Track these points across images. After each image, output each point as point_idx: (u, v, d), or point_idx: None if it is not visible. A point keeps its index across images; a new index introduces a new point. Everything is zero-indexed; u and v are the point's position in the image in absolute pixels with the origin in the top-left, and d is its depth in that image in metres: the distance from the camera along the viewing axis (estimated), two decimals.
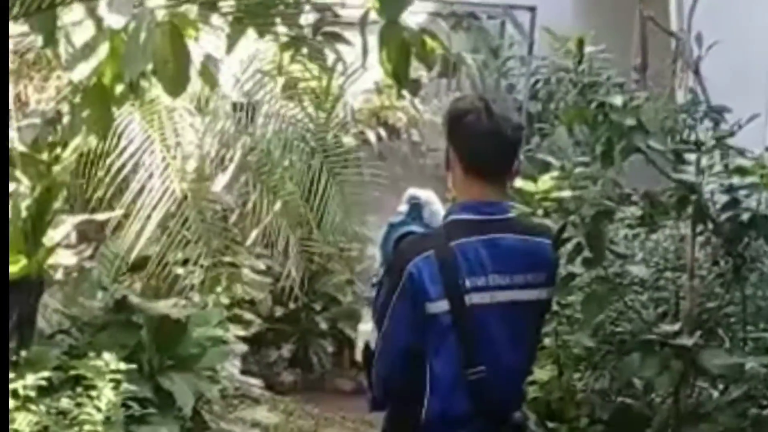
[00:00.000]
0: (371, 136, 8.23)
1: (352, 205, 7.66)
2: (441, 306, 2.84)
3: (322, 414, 7.18)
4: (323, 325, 8.04)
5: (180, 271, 6.35)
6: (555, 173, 3.42)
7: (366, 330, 3.18)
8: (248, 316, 7.22)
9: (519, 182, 3.86)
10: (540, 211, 3.58)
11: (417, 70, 9.06)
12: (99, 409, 4.07)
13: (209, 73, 3.38)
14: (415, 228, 3.13)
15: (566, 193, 3.35)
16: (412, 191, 3.24)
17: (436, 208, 3.20)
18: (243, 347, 5.93)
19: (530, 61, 8.55)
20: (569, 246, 3.32)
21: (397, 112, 8.54)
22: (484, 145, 2.98)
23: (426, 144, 8.83)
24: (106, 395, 4.12)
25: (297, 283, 7.11)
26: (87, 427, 4.00)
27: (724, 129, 3.50)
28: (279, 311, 7.84)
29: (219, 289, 6.67)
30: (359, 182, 7.81)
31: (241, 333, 6.56)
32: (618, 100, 3.18)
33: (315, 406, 7.33)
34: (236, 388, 5.65)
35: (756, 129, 3.82)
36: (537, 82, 8.43)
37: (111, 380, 4.19)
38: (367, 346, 3.01)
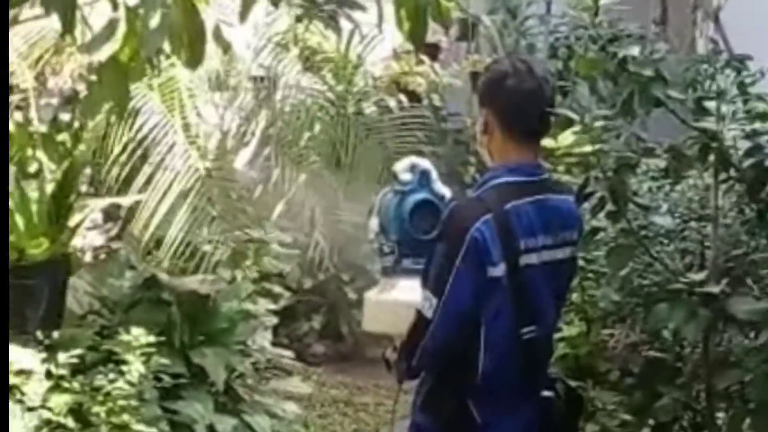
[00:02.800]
0: (392, 103, 8.18)
1: (374, 173, 7.65)
2: (500, 269, 2.86)
3: (355, 383, 7.21)
4: (352, 295, 8.04)
5: (207, 247, 6.37)
6: (575, 128, 3.42)
7: (377, 299, 3.21)
8: (277, 289, 7.23)
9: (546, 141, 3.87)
10: (561, 168, 3.58)
11: (435, 34, 9.02)
12: (132, 384, 4.11)
13: (222, 38, 3.38)
14: (427, 195, 3.14)
15: (588, 148, 3.35)
16: (414, 159, 3.23)
17: (436, 175, 3.22)
18: (273, 320, 5.94)
19: (549, 20, 8.49)
20: (593, 200, 3.33)
21: (417, 77, 8.50)
22: (527, 107, 2.97)
23: (447, 109, 8.80)
24: (137, 369, 4.16)
25: (326, 253, 7.11)
26: (120, 401, 4.04)
27: (748, 76, 3.47)
28: (308, 283, 7.86)
29: (247, 263, 6.69)
30: (381, 150, 7.79)
31: (271, 306, 6.56)
32: (636, 51, 3.16)
33: (347, 375, 7.36)
34: (268, 360, 5.67)
35: None
36: (557, 40, 8.35)
37: (142, 354, 4.22)
38: (419, 315, 2.94)
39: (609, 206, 3.25)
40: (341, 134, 7.73)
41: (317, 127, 7.88)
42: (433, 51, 8.69)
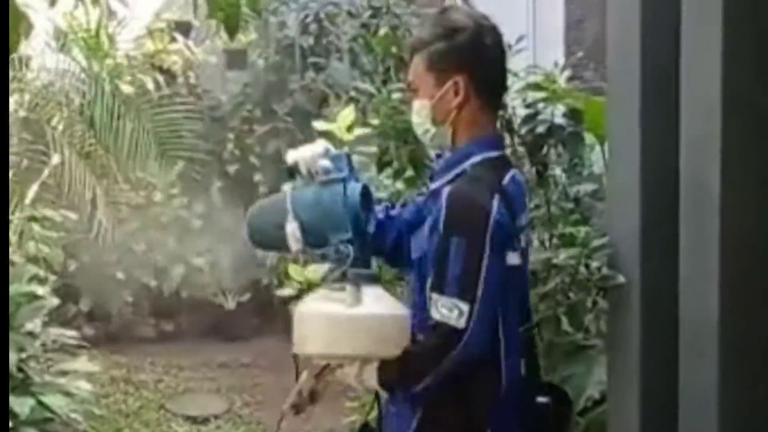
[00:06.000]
0: (148, 82, 8.20)
1: (133, 152, 7.74)
2: (517, 255, 2.51)
3: (131, 363, 7.29)
4: (120, 276, 8.05)
5: None
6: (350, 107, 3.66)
7: (347, 315, 2.40)
8: (42, 273, 7.15)
9: (319, 124, 4.09)
10: (346, 148, 3.80)
11: (187, 13, 9.04)
12: None
13: (27, 20, 3.41)
14: (360, 183, 2.59)
15: (376, 121, 3.63)
16: (325, 144, 2.62)
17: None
18: (54, 301, 5.92)
19: None
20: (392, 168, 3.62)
21: (173, 55, 8.54)
22: (499, 71, 2.61)
23: (202, 86, 8.89)
24: None
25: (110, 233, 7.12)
26: None
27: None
28: (72, 265, 7.80)
29: (10, 248, 6.60)
30: (141, 130, 7.83)
31: (39, 291, 6.51)
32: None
33: (122, 355, 7.43)
34: (53, 341, 5.65)
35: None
36: (307, 16, 8.57)
37: None
38: (441, 326, 2.39)
39: (409, 172, 3.54)
40: (98, 114, 7.75)
41: (69, 109, 7.86)
42: (184, 28, 8.72)
